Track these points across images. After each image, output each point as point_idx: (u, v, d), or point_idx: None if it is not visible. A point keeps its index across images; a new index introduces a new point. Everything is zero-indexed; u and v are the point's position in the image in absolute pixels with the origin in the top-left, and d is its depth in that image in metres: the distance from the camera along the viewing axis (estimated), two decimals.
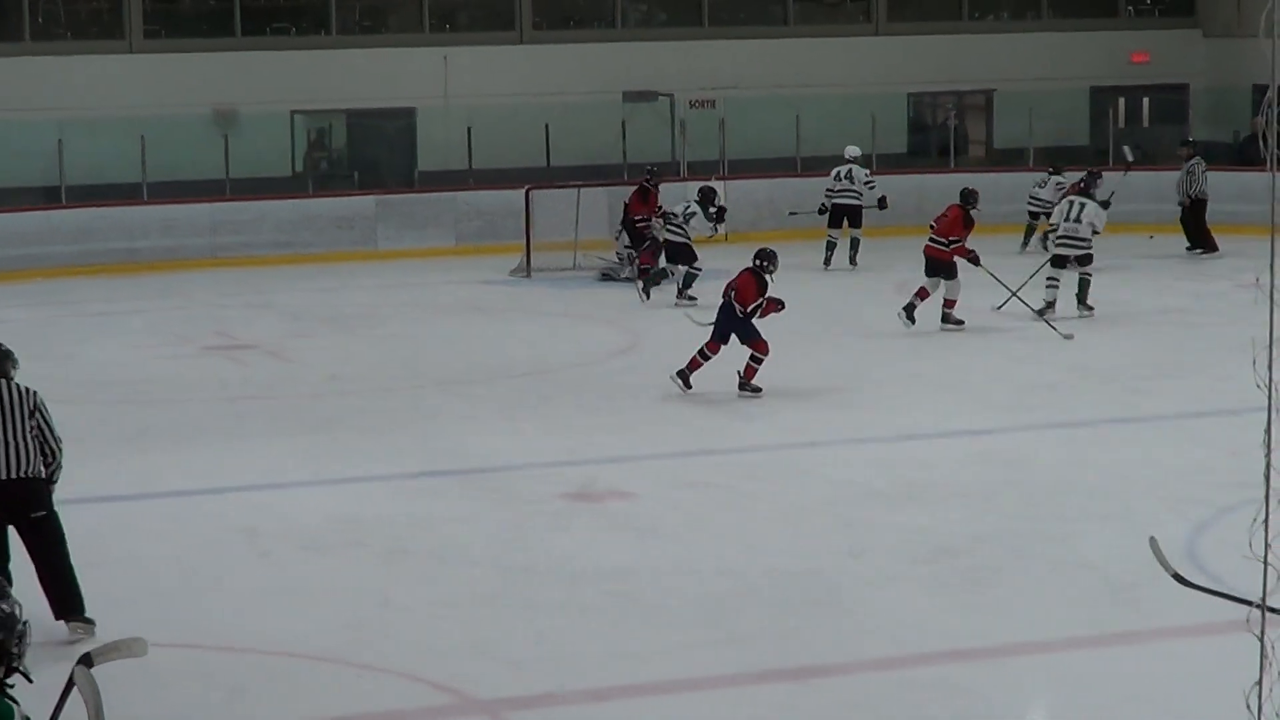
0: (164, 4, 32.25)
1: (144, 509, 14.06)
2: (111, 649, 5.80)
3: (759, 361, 17.56)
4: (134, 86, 30.23)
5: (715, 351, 17.74)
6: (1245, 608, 6.76)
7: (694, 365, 17.76)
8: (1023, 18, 35.69)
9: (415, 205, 29.42)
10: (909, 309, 20.95)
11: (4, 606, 5.31)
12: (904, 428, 16.43)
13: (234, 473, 15.04)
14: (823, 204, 27.00)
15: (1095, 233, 21.79)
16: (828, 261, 26.33)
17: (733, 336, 17.68)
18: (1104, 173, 24.23)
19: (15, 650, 5.31)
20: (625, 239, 25.60)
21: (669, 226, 23.90)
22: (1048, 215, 23.77)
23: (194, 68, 30.65)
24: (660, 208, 25.49)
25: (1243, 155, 29.42)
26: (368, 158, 32.17)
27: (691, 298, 23.03)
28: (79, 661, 5.60)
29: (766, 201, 28.85)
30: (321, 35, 32.17)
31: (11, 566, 10.61)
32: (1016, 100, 33.10)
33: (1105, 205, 22.54)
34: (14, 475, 10.56)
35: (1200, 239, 27.20)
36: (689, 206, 24.11)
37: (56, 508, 10.88)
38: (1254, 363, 6.51)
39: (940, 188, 27.85)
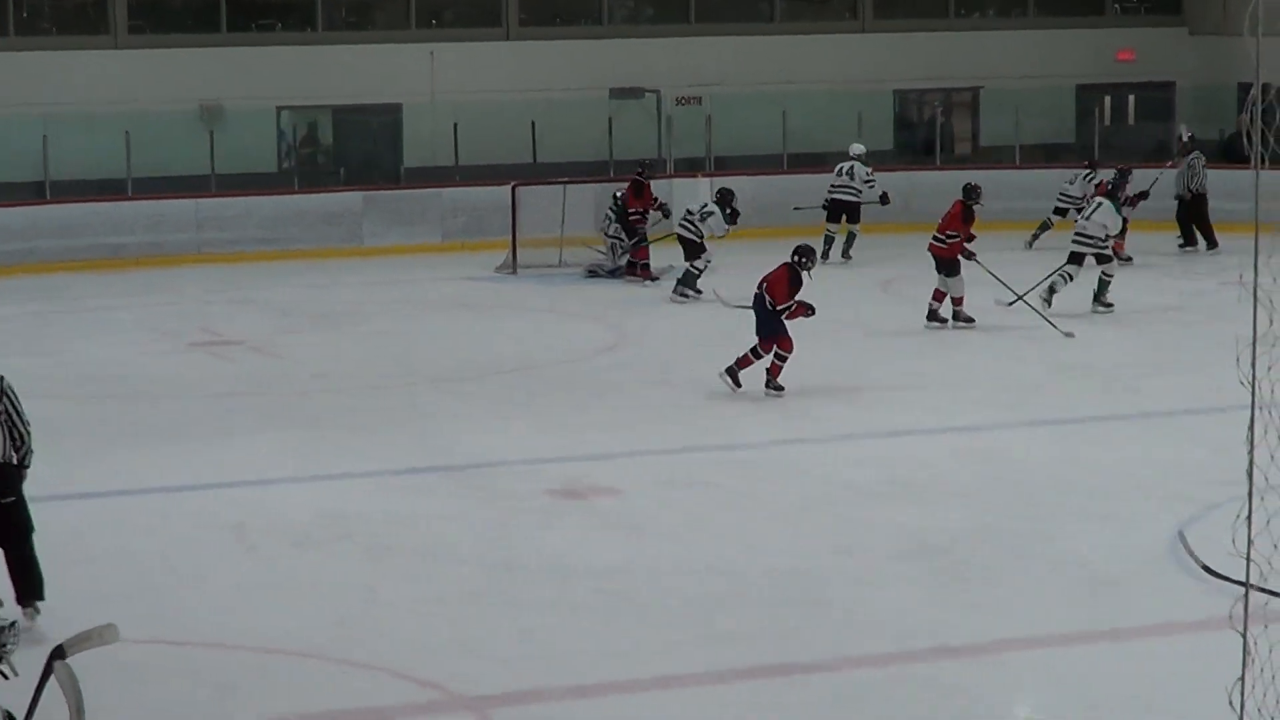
0: None
1: (131, 505, 14.04)
2: (84, 639, 5.80)
3: (783, 359, 17.47)
4: (119, 82, 30.18)
5: (768, 349, 17.50)
6: (1228, 605, 6.78)
7: (744, 363, 17.51)
8: (1009, 15, 35.72)
9: (401, 201, 29.41)
10: (931, 314, 20.96)
11: None
12: (896, 425, 16.44)
13: (221, 469, 15.02)
14: (825, 200, 27.14)
15: (1108, 234, 21.79)
16: (825, 255, 26.40)
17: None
18: (1134, 170, 24.36)
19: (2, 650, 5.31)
20: (614, 230, 25.54)
21: (682, 223, 23.89)
22: (1079, 210, 23.69)
23: (180, 63, 30.61)
24: (656, 199, 25.54)
25: (1229, 153, 29.44)
26: (354, 154, 32.14)
27: (684, 295, 23.10)
28: (53, 654, 5.60)
29: (752, 198, 28.80)
30: (308, 31, 32.14)
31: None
32: (1003, 98, 33.12)
33: (1143, 196, 22.49)
34: None
35: (1204, 233, 27.12)
36: (706, 205, 24.09)
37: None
38: (1239, 360, 6.54)
39: (927, 185, 27.91)
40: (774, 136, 31.33)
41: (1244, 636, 6.67)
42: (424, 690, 9.86)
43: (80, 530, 13.13)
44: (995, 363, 19.37)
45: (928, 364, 19.28)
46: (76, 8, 32.06)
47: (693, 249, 23.63)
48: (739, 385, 17.48)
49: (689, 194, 27.89)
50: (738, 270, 21.48)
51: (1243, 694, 6.77)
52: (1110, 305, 21.90)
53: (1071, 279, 21.67)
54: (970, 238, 20.93)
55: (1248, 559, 6.64)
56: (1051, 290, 21.50)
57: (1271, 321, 6.64)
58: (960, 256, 20.74)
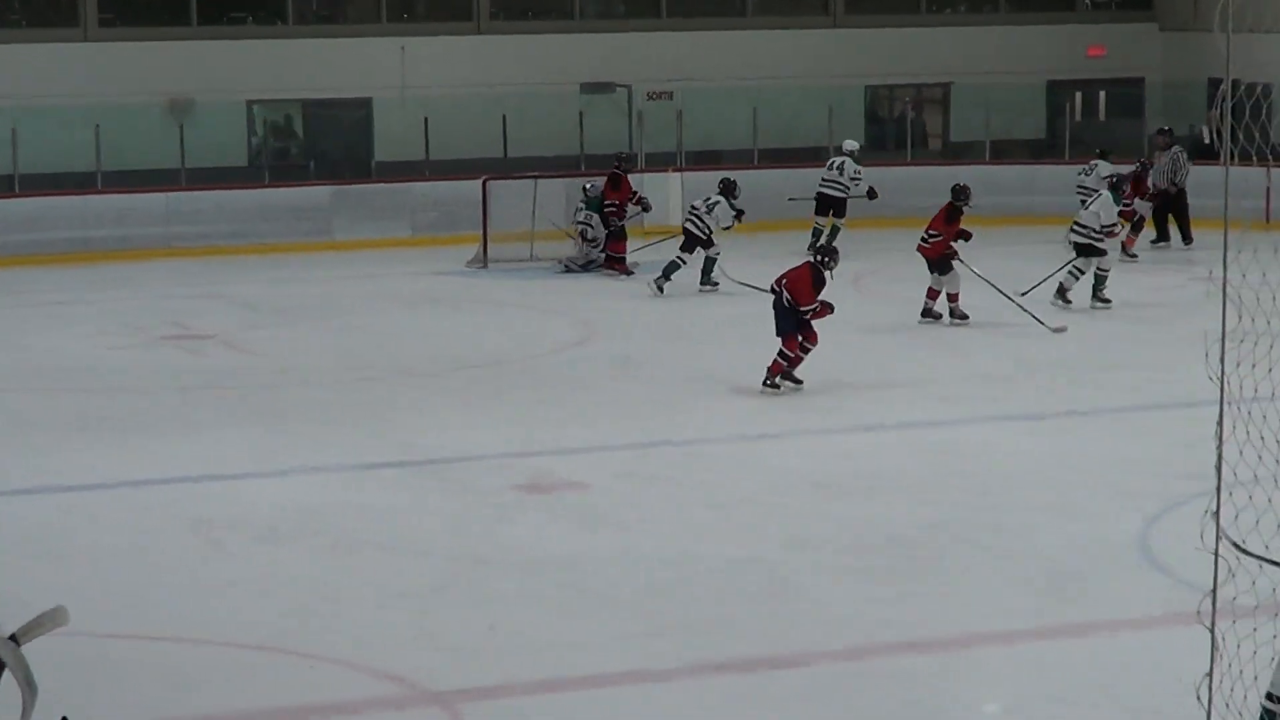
0: None
1: (96, 498, 13.98)
2: (36, 625, 5.74)
3: (806, 351, 17.37)
4: (89, 75, 30.08)
5: (793, 349, 17.37)
6: (1194, 600, 6.77)
7: (776, 369, 17.34)
8: (980, 11, 35.77)
9: (372, 196, 29.33)
10: (925, 311, 20.92)
11: None
12: (861, 420, 16.42)
13: (186, 463, 14.96)
14: (816, 193, 27.32)
15: (1103, 225, 21.77)
16: (811, 247, 26.59)
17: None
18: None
19: None
20: (584, 216, 25.51)
21: (689, 217, 23.86)
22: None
23: (149, 56, 30.52)
24: (635, 193, 25.51)
25: (1198, 149, 29.48)
26: (324, 148, 32.08)
27: (660, 285, 23.12)
28: (8, 641, 5.55)
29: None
30: (278, 25, 32.08)
31: None
32: (973, 93, 33.15)
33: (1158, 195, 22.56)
34: None
35: (1181, 228, 27.10)
36: (710, 198, 24.05)
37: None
38: (1207, 356, 6.52)
39: (897, 180, 27.91)
40: (745, 132, 31.30)
41: (1212, 632, 6.65)
42: (389, 684, 9.83)
43: (45, 524, 13.08)
44: (961, 358, 19.35)
45: (893, 359, 19.28)
46: (47, 0, 31.94)
47: (698, 244, 23.56)
48: (799, 381, 17.29)
49: (659, 188, 27.90)
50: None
51: (1210, 689, 6.75)
52: (1108, 301, 21.87)
53: (1082, 273, 21.73)
54: (963, 236, 20.84)
55: (1215, 555, 6.63)
56: (1063, 289, 21.56)
57: (1240, 318, 6.63)
58: (945, 255, 20.67)
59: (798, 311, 17.29)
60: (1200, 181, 26.39)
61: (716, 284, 23.41)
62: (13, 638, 5.58)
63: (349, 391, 17.95)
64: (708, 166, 30.11)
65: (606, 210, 25.25)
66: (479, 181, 26.99)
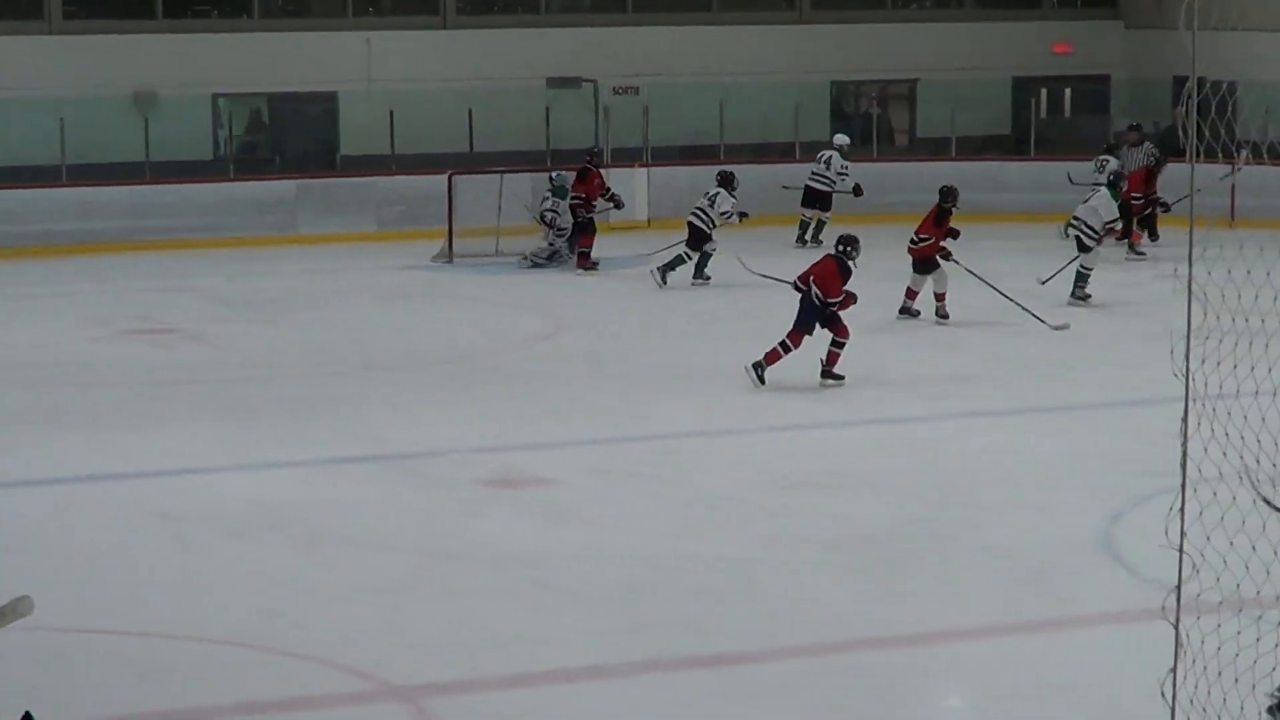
0: None
1: (62, 492, 13.94)
2: (0, 616, 5.75)
3: (840, 346, 17.41)
4: (53, 68, 29.96)
5: (797, 344, 17.34)
6: (1159, 597, 6.81)
7: (773, 358, 17.34)
8: (946, 7, 35.84)
9: (337, 190, 29.24)
10: (903, 309, 20.94)
11: None
12: (829, 416, 16.47)
13: (153, 457, 14.94)
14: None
15: (1103, 221, 21.86)
16: (800, 240, 26.78)
17: (816, 328, 17.38)
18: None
19: None
20: (551, 204, 25.52)
21: (694, 211, 23.85)
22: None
23: (114, 49, 30.41)
24: (608, 189, 25.53)
25: (1163, 146, 29.53)
26: (290, 142, 32.01)
27: (662, 276, 23.15)
28: None
29: (688, 189, 28.78)
30: (243, 18, 31.99)
31: None
32: (939, 90, 33.24)
33: (1166, 208, 23.56)
34: None
35: (1149, 226, 27.15)
36: (710, 192, 24.02)
37: None
38: (1173, 353, 6.57)
39: (863, 176, 27.88)
40: (711, 127, 31.34)
41: (1176, 628, 6.70)
42: (355, 679, 9.82)
43: (10, 517, 13.05)
44: (929, 354, 19.38)
45: (862, 355, 19.22)
46: None
47: (701, 237, 23.59)
48: (763, 382, 17.20)
49: (626, 183, 27.91)
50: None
51: (1174, 685, 6.80)
52: (1088, 296, 21.93)
53: (1090, 268, 21.84)
54: (952, 234, 20.83)
55: (1180, 551, 6.67)
56: (1078, 284, 21.64)
57: (1205, 314, 6.68)
58: (938, 257, 20.67)
59: (826, 307, 17.31)
60: (1166, 179, 26.40)
61: (709, 278, 23.42)
62: None
63: (320, 386, 17.92)
64: (674, 162, 30.15)
65: (573, 203, 25.25)
66: (444, 176, 26.95)
